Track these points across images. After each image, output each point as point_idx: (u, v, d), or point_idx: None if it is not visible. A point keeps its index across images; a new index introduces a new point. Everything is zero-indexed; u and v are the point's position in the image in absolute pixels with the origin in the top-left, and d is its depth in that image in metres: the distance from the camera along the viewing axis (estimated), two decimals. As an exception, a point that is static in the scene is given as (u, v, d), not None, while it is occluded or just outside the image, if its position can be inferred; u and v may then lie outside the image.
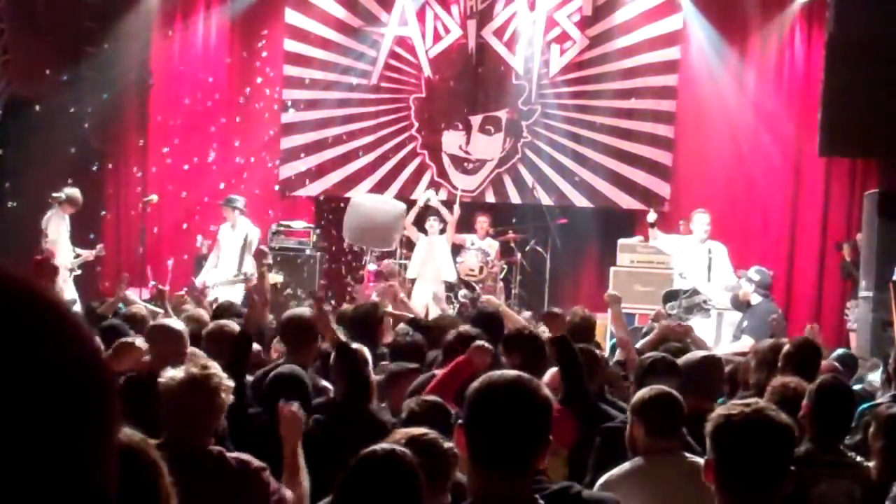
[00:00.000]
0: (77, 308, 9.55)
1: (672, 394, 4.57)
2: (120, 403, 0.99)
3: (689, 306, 11.89)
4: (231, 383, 4.01)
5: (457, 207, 13.82)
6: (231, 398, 4.00)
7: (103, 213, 14.85)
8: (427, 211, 13.76)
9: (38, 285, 0.95)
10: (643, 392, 4.58)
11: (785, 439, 2.95)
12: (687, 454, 4.43)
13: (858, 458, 4.78)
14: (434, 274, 13.41)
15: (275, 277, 13.14)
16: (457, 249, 13.96)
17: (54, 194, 12.40)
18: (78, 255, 12.62)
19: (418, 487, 2.93)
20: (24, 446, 0.87)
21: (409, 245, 14.05)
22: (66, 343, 0.93)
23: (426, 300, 12.72)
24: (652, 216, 12.46)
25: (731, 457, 2.92)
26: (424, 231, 13.68)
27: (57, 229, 12.46)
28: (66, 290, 12.06)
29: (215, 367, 4.03)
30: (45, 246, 12.20)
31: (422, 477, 2.94)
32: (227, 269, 12.68)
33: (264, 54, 15.52)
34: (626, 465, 4.43)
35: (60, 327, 0.94)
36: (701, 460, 4.33)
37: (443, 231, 13.64)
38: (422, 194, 14.09)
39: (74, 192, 12.69)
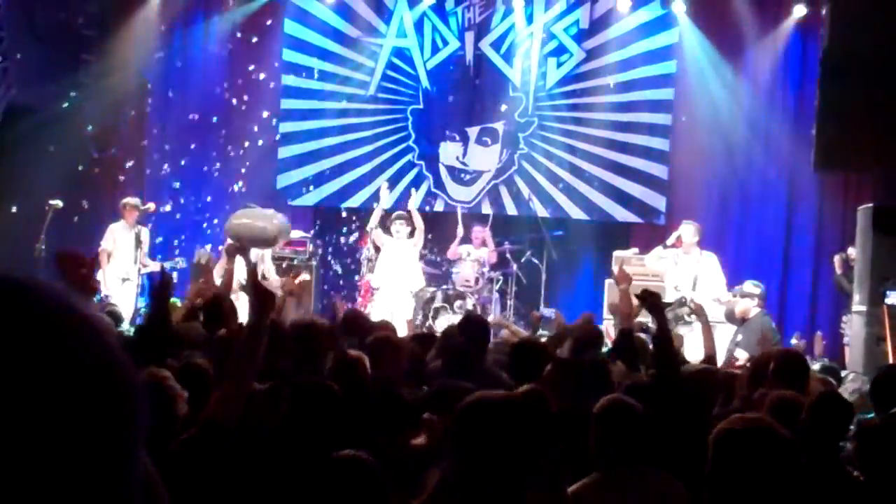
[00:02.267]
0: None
1: (630, 405, 4.41)
2: (148, 412, 1.02)
3: (671, 318, 11.91)
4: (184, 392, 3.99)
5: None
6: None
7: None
8: (392, 213, 13.63)
9: (68, 295, 0.98)
10: (603, 401, 4.44)
11: (787, 453, 2.92)
12: (649, 466, 4.36)
13: (855, 472, 4.82)
14: (400, 282, 13.22)
15: (301, 277, 13.15)
16: (453, 260, 14.00)
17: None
18: (145, 265, 12.70)
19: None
20: (53, 453, 0.90)
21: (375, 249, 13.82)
22: (94, 352, 0.96)
23: (392, 309, 12.57)
24: (671, 240, 12.56)
25: (732, 469, 2.90)
26: (390, 234, 13.35)
27: (110, 238, 12.68)
28: (118, 298, 12.17)
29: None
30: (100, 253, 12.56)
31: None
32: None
33: (262, 64, 15.56)
34: (586, 479, 4.29)
35: (90, 336, 0.97)
36: (658, 472, 4.35)
37: (411, 235, 13.43)
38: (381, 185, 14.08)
39: (127, 200, 12.90)
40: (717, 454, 2.96)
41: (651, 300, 5.94)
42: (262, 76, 15.54)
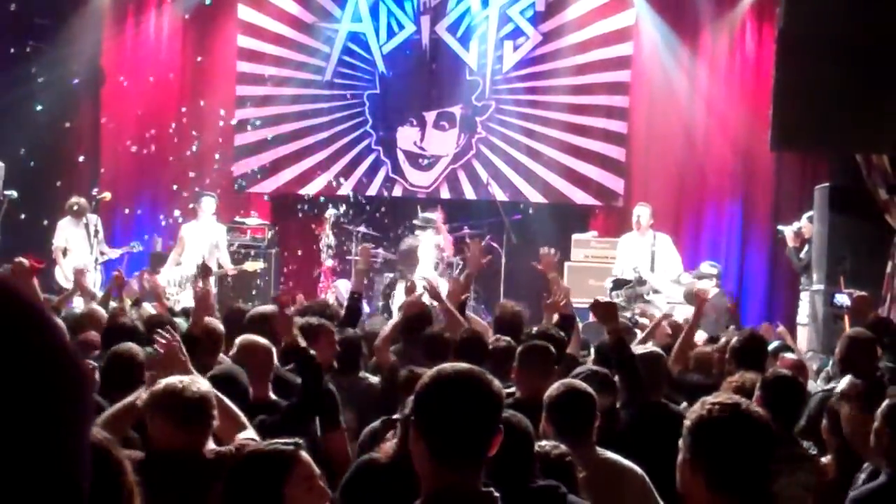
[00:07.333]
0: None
1: (582, 391, 4.38)
2: (92, 400, 1.00)
3: (629, 296, 12.12)
4: None
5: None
6: None
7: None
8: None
9: (14, 284, 0.96)
10: (553, 388, 4.40)
11: (767, 436, 2.79)
12: (598, 449, 4.35)
13: (812, 451, 4.85)
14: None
15: (254, 265, 13.14)
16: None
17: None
18: (103, 254, 12.63)
19: None
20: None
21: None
22: (40, 340, 0.95)
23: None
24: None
25: (715, 454, 2.75)
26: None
27: (61, 235, 12.65)
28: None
29: None
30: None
31: None
32: (193, 265, 12.41)
33: (217, 50, 15.46)
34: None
35: (34, 325, 0.95)
36: (611, 455, 4.33)
37: None
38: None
39: (71, 200, 12.80)
40: (695, 438, 2.80)
41: (605, 310, 5.95)
42: (216, 62, 15.43)
